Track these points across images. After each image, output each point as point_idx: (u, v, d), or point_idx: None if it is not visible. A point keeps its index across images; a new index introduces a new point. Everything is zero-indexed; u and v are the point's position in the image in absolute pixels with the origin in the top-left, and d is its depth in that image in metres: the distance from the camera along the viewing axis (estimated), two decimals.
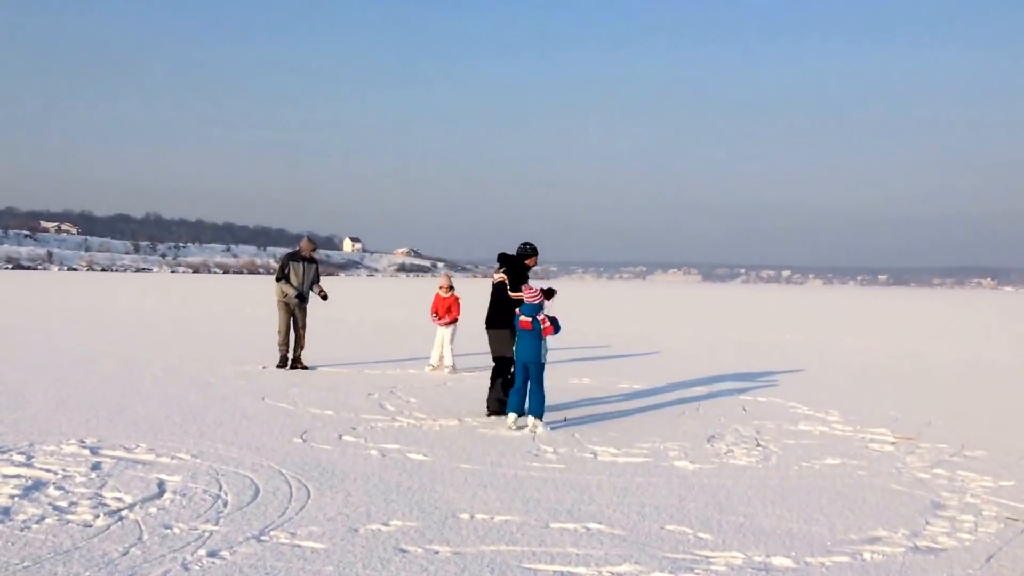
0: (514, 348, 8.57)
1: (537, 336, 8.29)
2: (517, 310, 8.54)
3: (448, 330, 12.83)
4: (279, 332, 12.70)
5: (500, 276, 9.22)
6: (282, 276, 12.75)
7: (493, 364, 9.23)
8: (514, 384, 8.54)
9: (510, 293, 8.97)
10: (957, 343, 22.82)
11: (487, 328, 9.25)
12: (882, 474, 6.80)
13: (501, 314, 9.07)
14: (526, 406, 8.33)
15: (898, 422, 9.28)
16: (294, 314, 12.67)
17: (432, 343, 13.23)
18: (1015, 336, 26.87)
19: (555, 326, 8.37)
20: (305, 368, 12.55)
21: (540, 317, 8.30)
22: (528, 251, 9.42)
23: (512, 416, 8.35)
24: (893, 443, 8.11)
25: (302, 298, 12.73)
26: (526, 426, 8.23)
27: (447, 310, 12.96)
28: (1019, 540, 5.10)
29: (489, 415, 8.98)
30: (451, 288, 13.33)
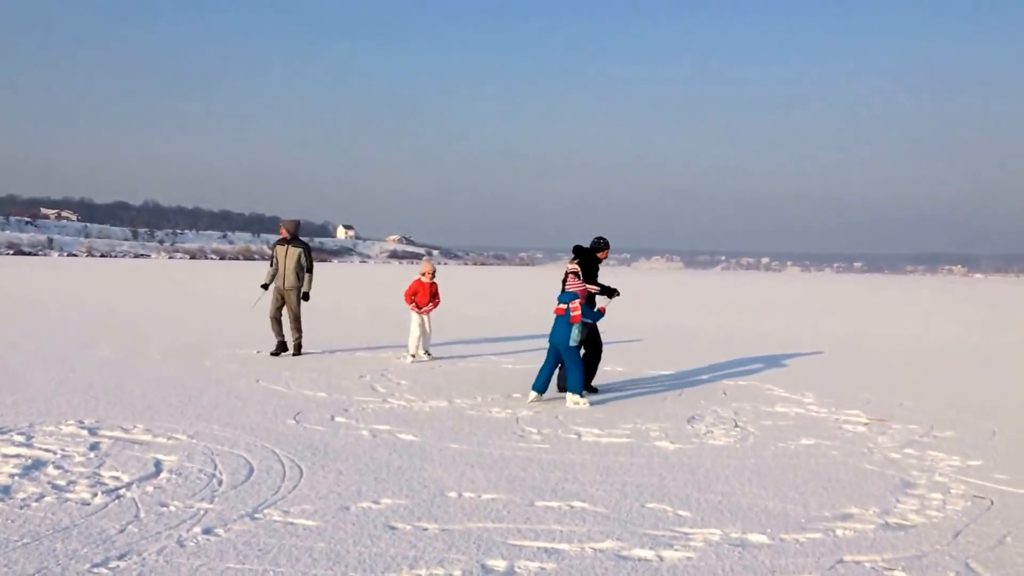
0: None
1: (566, 322, 8.69)
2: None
3: (428, 317, 12.31)
4: (270, 318, 12.21)
5: (574, 267, 9.35)
6: (270, 261, 12.43)
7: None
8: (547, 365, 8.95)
9: (586, 285, 9.21)
10: (927, 327, 22.96)
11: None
12: (855, 454, 6.84)
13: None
14: (552, 384, 8.95)
15: (871, 404, 9.33)
16: (283, 300, 12.17)
17: (406, 331, 12.66)
18: (983, 321, 27.03)
19: (589, 316, 8.84)
20: (295, 355, 12.08)
21: (572, 305, 8.70)
22: (600, 245, 9.72)
23: (533, 394, 8.80)
24: (866, 424, 8.16)
25: (264, 287, 12.38)
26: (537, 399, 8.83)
27: (433, 297, 12.32)
28: (985, 517, 5.15)
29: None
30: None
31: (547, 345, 9.00)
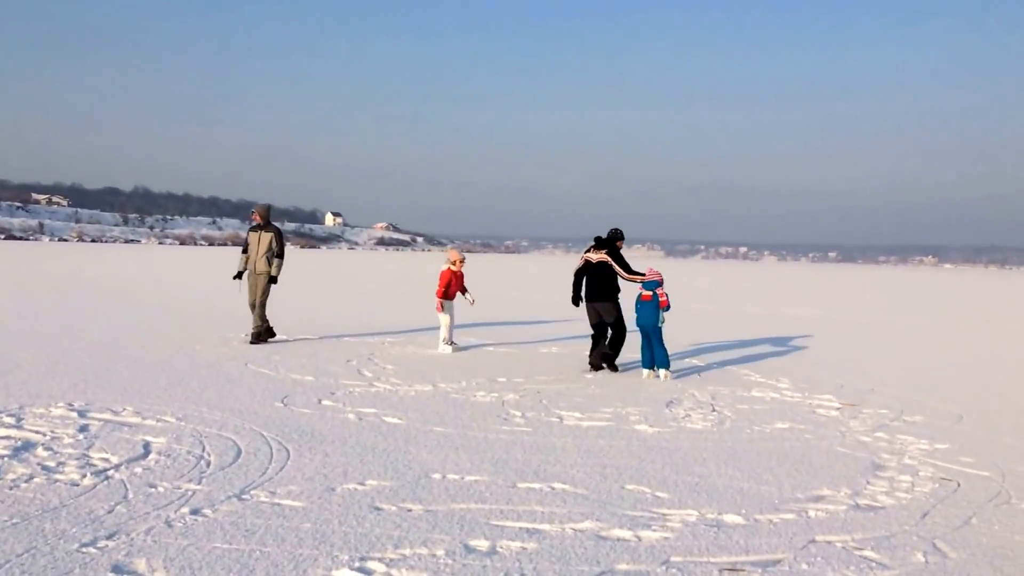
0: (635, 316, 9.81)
1: (655, 306, 9.67)
2: (639, 286, 9.90)
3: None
4: (249, 305, 11.81)
5: (602, 256, 10.09)
6: (245, 248, 11.93)
7: (592, 331, 10.22)
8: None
9: (624, 274, 10.08)
10: (898, 315, 23.14)
11: (594, 301, 10.10)
12: (827, 437, 6.89)
13: (608, 289, 10.08)
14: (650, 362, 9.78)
15: (843, 389, 9.40)
16: (254, 287, 11.71)
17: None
18: (951, 309, 27.29)
19: (669, 300, 9.88)
20: (266, 341, 11.60)
21: (659, 291, 9.73)
22: (618, 235, 10.40)
23: (646, 372, 9.76)
24: (838, 409, 8.22)
25: (238, 275, 11.96)
26: (657, 377, 9.66)
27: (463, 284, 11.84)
28: (952, 499, 5.20)
29: (595, 370, 10.04)
30: None
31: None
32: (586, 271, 10.18)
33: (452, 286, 11.65)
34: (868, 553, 4.18)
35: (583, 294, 10.24)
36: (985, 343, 15.99)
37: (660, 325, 9.67)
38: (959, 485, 5.52)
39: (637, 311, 9.79)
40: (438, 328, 11.82)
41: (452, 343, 11.53)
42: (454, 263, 11.77)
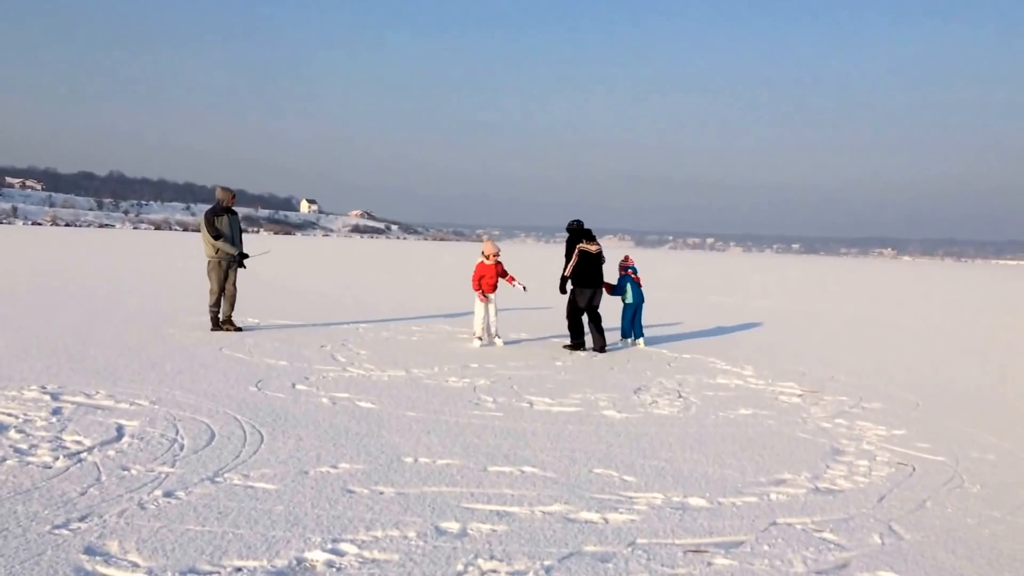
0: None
1: (638, 286, 11.56)
2: (629, 271, 11.59)
3: (494, 303, 11.13)
4: (212, 293, 11.02)
5: (597, 247, 10.88)
6: (219, 233, 11.01)
7: (575, 315, 10.88)
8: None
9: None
10: (859, 305, 23.44)
11: (591, 286, 10.82)
12: (789, 423, 6.97)
13: (601, 276, 10.98)
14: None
15: (805, 377, 9.51)
16: (227, 273, 11.09)
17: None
18: (908, 299, 27.68)
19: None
20: (238, 329, 11.09)
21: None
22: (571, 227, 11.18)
23: (632, 340, 11.51)
24: (800, 395, 8.32)
25: (243, 256, 11.24)
26: (637, 345, 11.41)
27: (502, 276, 11.24)
28: (907, 483, 5.29)
29: (602, 351, 10.74)
30: None
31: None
32: (587, 260, 10.82)
33: (486, 279, 11.06)
34: (827, 535, 4.24)
35: (579, 281, 10.86)
36: (942, 332, 16.26)
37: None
38: (915, 470, 5.61)
39: (632, 291, 11.42)
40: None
41: (480, 338, 10.91)
42: (488, 256, 11.24)
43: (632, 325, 11.49)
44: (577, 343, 10.85)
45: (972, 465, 5.80)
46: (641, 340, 11.43)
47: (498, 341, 11.07)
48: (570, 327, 10.91)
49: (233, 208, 11.42)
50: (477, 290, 11.04)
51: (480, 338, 10.94)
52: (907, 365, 11.06)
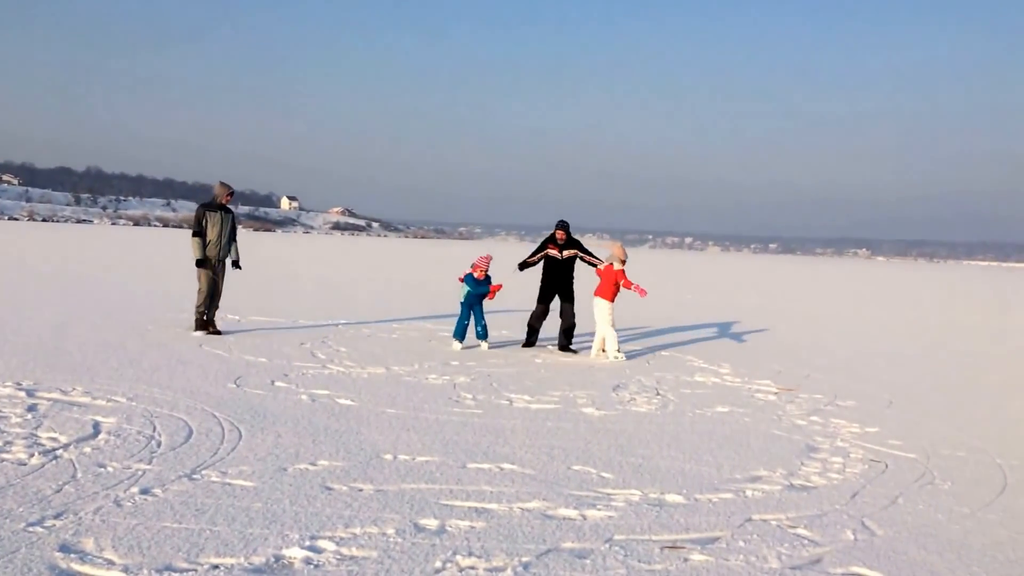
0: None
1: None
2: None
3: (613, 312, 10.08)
4: (200, 293, 10.32)
5: (571, 253, 10.84)
6: (199, 231, 10.31)
7: (539, 315, 10.85)
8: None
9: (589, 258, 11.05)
10: (834, 304, 23.65)
11: (550, 298, 10.82)
12: (765, 421, 7.02)
13: (565, 283, 10.84)
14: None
15: (781, 375, 9.58)
16: (215, 273, 10.43)
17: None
18: (881, 298, 27.98)
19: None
20: (219, 333, 10.36)
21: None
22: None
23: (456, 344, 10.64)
24: (776, 393, 8.38)
25: (236, 264, 10.72)
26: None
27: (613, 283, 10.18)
28: (880, 479, 5.34)
29: (566, 351, 10.57)
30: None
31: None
32: (552, 266, 10.88)
33: (603, 284, 10.19)
34: (801, 531, 4.27)
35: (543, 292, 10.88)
36: (914, 331, 16.44)
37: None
38: (887, 467, 5.67)
39: (467, 285, 10.53)
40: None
41: (616, 355, 9.92)
42: (621, 260, 10.22)
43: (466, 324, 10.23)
44: (529, 341, 10.80)
45: (943, 462, 5.87)
46: (484, 343, 10.37)
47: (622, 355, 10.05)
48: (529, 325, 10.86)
49: (228, 206, 10.70)
50: (611, 300, 10.05)
51: (616, 355, 9.86)
52: (881, 363, 11.17)
